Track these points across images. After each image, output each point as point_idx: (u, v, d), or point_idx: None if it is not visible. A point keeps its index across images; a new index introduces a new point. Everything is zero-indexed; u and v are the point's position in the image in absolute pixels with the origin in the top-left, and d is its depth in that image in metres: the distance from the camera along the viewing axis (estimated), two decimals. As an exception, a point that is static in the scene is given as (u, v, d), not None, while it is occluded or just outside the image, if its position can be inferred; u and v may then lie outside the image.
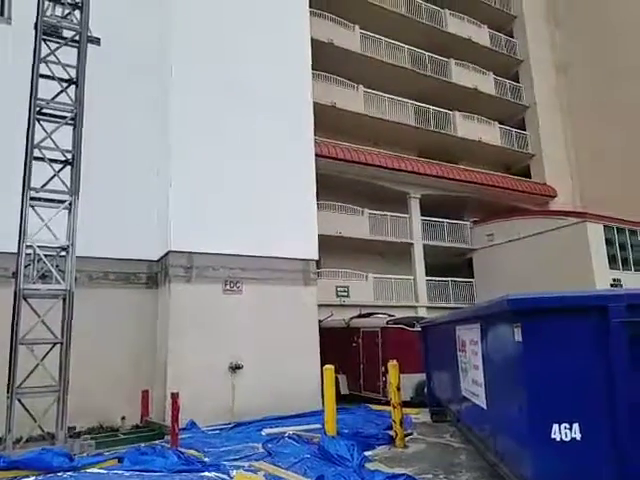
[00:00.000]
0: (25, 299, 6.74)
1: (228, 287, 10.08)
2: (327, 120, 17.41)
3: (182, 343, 9.27)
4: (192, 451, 6.99)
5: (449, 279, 19.64)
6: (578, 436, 3.63)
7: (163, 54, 11.20)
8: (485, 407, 5.20)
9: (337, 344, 12.33)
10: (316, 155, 13.22)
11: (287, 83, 12.08)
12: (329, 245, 16.65)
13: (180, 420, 7.50)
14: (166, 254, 9.79)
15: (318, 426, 8.10)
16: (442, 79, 21.11)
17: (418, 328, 10.39)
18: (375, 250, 18.91)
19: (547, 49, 24.76)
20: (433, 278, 19.24)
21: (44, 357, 6.91)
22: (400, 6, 20.70)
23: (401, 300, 18.03)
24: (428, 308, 18.12)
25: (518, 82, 24.11)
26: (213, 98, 10.76)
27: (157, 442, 7.83)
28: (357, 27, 19.21)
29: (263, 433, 8.22)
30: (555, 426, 3.65)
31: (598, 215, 17.24)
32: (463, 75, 21.79)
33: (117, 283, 9.82)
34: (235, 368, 9.67)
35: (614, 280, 16.26)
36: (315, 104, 13.58)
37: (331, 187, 17.06)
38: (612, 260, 16.68)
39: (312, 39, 13.61)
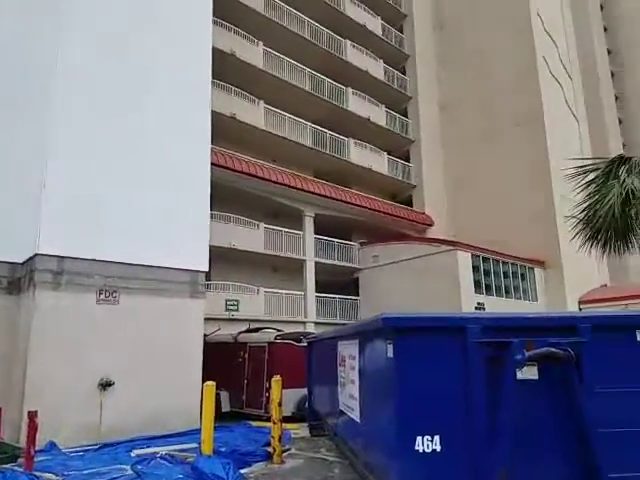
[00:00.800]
0: None
1: (103, 297, 9.34)
2: (227, 131, 17.28)
3: (44, 356, 8.36)
4: (49, 475, 6.32)
5: (337, 296, 20.32)
6: (438, 447, 3.84)
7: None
8: (359, 420, 5.40)
9: (222, 359, 12.06)
10: (213, 164, 13.00)
11: (185, 88, 11.74)
12: (221, 257, 16.39)
13: (38, 441, 6.74)
14: (32, 257, 8.84)
15: (194, 445, 7.81)
16: (339, 106, 22.14)
17: (304, 343, 10.55)
18: (268, 265, 19.00)
19: (434, 88, 27.01)
20: (322, 295, 19.76)
21: None
22: (303, 29, 21.43)
23: (291, 315, 18.23)
24: (316, 324, 18.53)
25: (407, 117, 26.06)
26: (98, 94, 10.09)
27: (8, 466, 6.94)
28: (261, 43, 19.46)
29: (133, 454, 7.68)
30: (419, 438, 3.84)
31: (467, 245, 19.22)
32: (358, 105, 23.03)
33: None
34: (105, 385, 8.95)
35: (478, 304, 18.16)
36: (215, 113, 13.42)
37: (227, 198, 16.88)
38: (477, 285, 18.66)
39: (215, 48, 13.50)
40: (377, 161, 23.52)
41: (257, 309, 17.08)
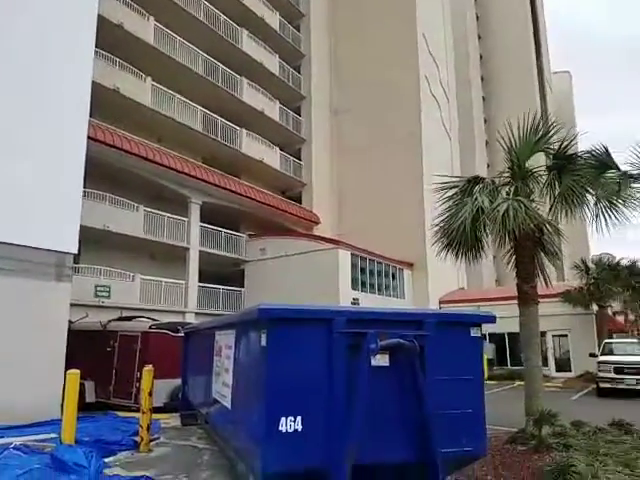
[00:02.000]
0: None
1: (-46, 276, 8.35)
2: (108, 105, 16.21)
3: None
4: None
5: (221, 287, 20.20)
6: (300, 427, 4.18)
7: None
8: (230, 407, 5.62)
9: (89, 348, 11.40)
10: (90, 138, 12.09)
11: (63, 56, 10.75)
12: (92, 239, 15.28)
13: None
14: None
15: (54, 435, 7.40)
16: (233, 94, 21.95)
17: (182, 334, 10.44)
18: (147, 250, 18.24)
19: (327, 92, 27.97)
20: (206, 285, 19.49)
21: None
22: (199, 11, 20.82)
23: (170, 305, 17.74)
24: (197, 314, 18.28)
25: (300, 115, 26.67)
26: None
27: None
28: (152, 18, 18.56)
29: (-21, 447, 7.03)
30: (282, 419, 4.14)
31: (348, 244, 20.46)
32: (253, 96, 23.10)
33: None
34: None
35: (354, 299, 19.47)
36: (96, 84, 12.50)
37: (104, 177, 15.86)
38: (354, 282, 20.01)
39: (100, 16, 12.51)
40: (269, 155, 23.78)
41: (132, 297, 16.36)
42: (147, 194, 18.19)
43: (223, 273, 21.37)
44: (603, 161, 6.99)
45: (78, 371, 6.76)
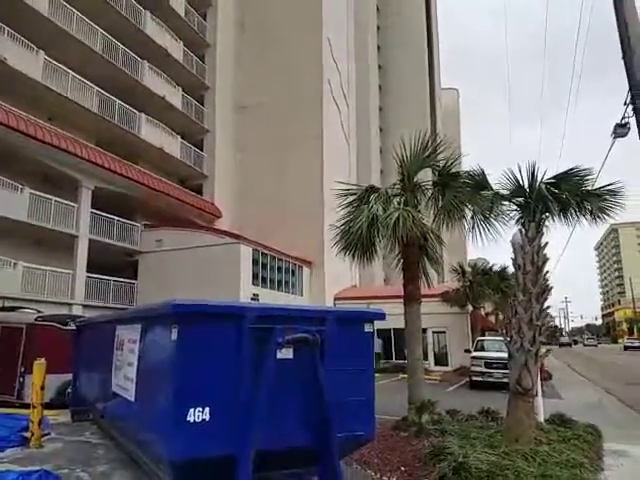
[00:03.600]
0: None
1: None
2: (-7, 76, 14.77)
3: None
4: None
5: (112, 279, 19.27)
6: (207, 417, 4.41)
7: None
8: (133, 400, 5.69)
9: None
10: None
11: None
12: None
13: None
14: None
15: None
16: (132, 77, 20.99)
17: (72, 327, 10.00)
18: (31, 236, 16.86)
19: (232, 86, 27.72)
20: (95, 276, 18.48)
21: None
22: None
23: (55, 296, 16.58)
24: (85, 306, 17.31)
25: (203, 105, 26.19)
26: None
27: None
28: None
29: None
30: (191, 410, 4.34)
31: (250, 240, 20.63)
32: (154, 81, 22.33)
33: None
34: None
35: (254, 295, 19.76)
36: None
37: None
38: (255, 278, 20.28)
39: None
40: (170, 143, 23.13)
41: (13, 286, 15.09)
42: (34, 175, 16.84)
43: (114, 263, 20.39)
44: (479, 181, 8.12)
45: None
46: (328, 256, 23.66)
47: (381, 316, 5.78)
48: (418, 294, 8.88)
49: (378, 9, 51.31)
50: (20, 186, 15.83)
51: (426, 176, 9.68)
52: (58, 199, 17.30)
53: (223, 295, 17.41)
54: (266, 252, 21.53)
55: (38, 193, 16.50)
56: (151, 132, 21.86)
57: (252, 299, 19.28)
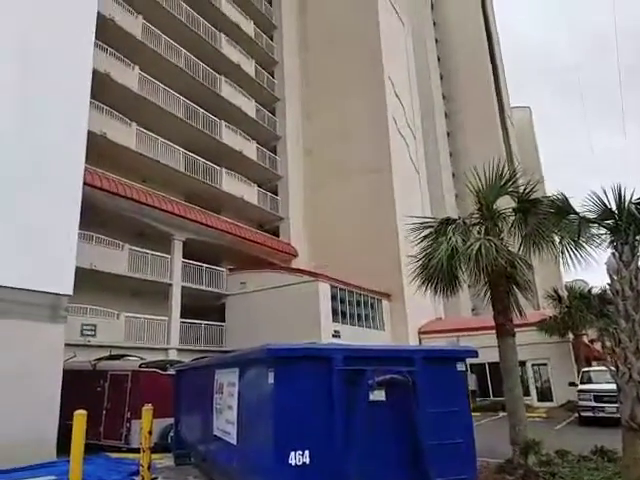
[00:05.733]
0: None
1: (-49, 321, 8.50)
2: (96, 150, 16.62)
3: None
4: None
5: (202, 322, 20.33)
6: (307, 460, 4.50)
7: None
8: (235, 443, 5.90)
9: (78, 388, 11.38)
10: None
11: (61, 106, 11.31)
12: (79, 277, 15.37)
13: None
14: None
15: (53, 478, 7.51)
16: (213, 136, 22.78)
17: (171, 372, 10.63)
18: (130, 288, 18.36)
19: (300, 132, 29.17)
20: (187, 320, 19.62)
21: None
22: (179, 59, 21.82)
23: (153, 342, 17.78)
24: (179, 350, 18.33)
25: (276, 154, 27.63)
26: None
27: None
28: (137, 67, 19.36)
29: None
30: (292, 453, 4.46)
31: (327, 276, 20.92)
32: (232, 138, 24.00)
33: None
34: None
35: (335, 331, 19.83)
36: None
37: (90, 216, 16.10)
38: (334, 314, 20.38)
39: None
40: (248, 192, 24.48)
41: (117, 335, 16.40)
42: (131, 232, 18.51)
43: (204, 308, 21.52)
44: (563, 207, 7.81)
45: (84, 412, 6.98)
46: (408, 288, 23.30)
47: (473, 354, 5.65)
48: (511, 326, 8.53)
49: (437, 40, 51.67)
50: (121, 243, 17.47)
51: (504, 202, 9.45)
52: (153, 252, 18.83)
53: (305, 333, 17.76)
54: (344, 287, 21.66)
55: (136, 248, 18.10)
56: (231, 184, 23.36)
57: (333, 336, 19.35)
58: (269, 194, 26.45)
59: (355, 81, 28.06)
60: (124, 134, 18.10)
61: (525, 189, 8.83)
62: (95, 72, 16.17)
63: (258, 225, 26.14)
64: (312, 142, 28.73)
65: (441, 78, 50.27)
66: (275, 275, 21.68)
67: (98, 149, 17.01)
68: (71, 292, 10.62)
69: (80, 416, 6.85)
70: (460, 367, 5.43)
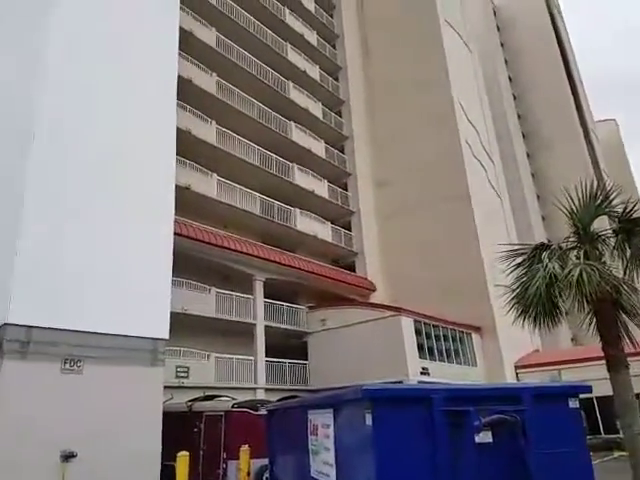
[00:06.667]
0: None
1: (67, 366, 9.32)
2: (181, 201, 17.88)
3: (9, 430, 8.13)
4: None
5: (287, 361, 20.52)
6: None
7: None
8: (336, 485, 5.79)
9: (176, 429, 11.84)
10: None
11: (150, 164, 12.38)
12: (171, 321, 16.35)
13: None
14: (0, 326, 8.74)
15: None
16: (286, 179, 23.74)
17: (263, 412, 10.74)
18: (218, 329, 19.06)
19: (369, 168, 29.40)
20: (273, 359, 19.91)
21: None
22: (252, 110, 23.19)
23: (241, 382, 18.19)
24: (266, 390, 18.55)
25: (347, 190, 28.01)
26: (73, 176, 10.55)
27: None
28: (214, 122, 20.77)
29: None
30: None
31: (409, 310, 20.33)
32: (303, 179, 24.79)
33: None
34: (67, 457, 8.73)
35: (423, 368, 19.04)
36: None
37: (179, 264, 17.14)
38: (420, 350, 19.62)
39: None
40: (321, 229, 24.94)
41: (208, 375, 16.98)
42: (216, 275, 19.39)
43: (287, 347, 21.75)
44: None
45: (187, 453, 7.22)
46: (500, 320, 22.16)
47: (586, 389, 5.22)
48: (623, 358, 7.76)
49: (506, 61, 50.61)
50: (208, 287, 18.36)
51: (597, 224, 8.81)
52: (237, 294, 19.56)
53: (391, 371, 17.29)
54: (428, 322, 20.91)
55: (221, 291, 18.93)
56: (305, 223, 23.95)
57: (422, 373, 18.61)
58: (342, 230, 26.69)
59: (424, 109, 27.92)
60: (206, 184, 19.36)
61: (626, 208, 8.18)
62: (178, 129, 17.74)
63: (333, 261, 26.33)
64: (383, 174, 28.75)
65: (514, 99, 48.87)
66: (355, 311, 21.53)
67: (183, 200, 18.26)
68: (167, 336, 11.24)
69: (183, 457, 7.08)
70: (573, 404, 5.01)
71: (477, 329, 23.36)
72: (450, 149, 26.55)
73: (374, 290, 25.98)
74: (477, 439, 4.63)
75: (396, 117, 28.97)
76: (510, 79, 49.68)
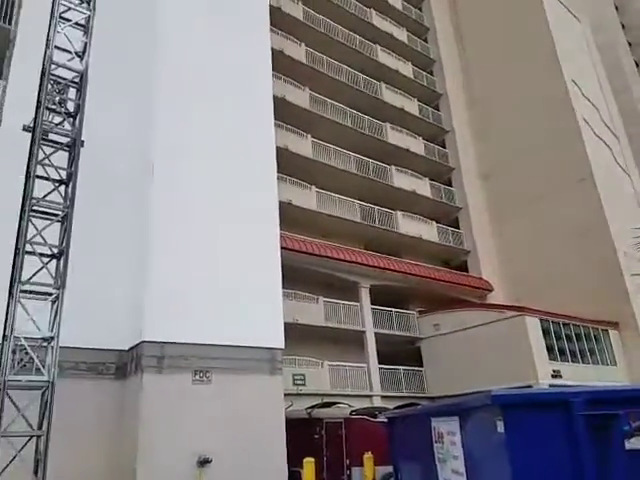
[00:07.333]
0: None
1: (198, 377, 10.12)
2: (284, 215, 18.58)
3: (151, 437, 9.01)
4: None
5: (401, 368, 20.20)
6: None
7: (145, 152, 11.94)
8: (468, 494, 5.54)
9: (298, 436, 12.19)
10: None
11: (255, 185, 13.09)
12: (285, 332, 17.01)
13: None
14: (138, 344, 9.78)
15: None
16: (384, 183, 23.44)
17: (382, 419, 10.65)
18: (328, 337, 19.36)
19: (473, 160, 28.00)
20: (386, 366, 19.73)
21: (21, 449, 6.61)
22: (346, 118, 23.32)
23: (356, 389, 18.25)
24: (382, 397, 18.40)
25: (451, 187, 26.89)
26: (194, 201, 11.53)
27: None
28: (309, 136, 21.29)
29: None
30: None
31: (534, 309, 18.84)
32: (403, 180, 24.26)
33: (87, 374, 9.59)
34: (203, 462, 9.43)
35: (554, 371, 17.41)
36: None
37: (287, 276, 17.79)
38: (550, 351, 17.98)
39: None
40: (426, 230, 24.18)
41: (323, 383, 17.29)
42: (322, 285, 19.74)
43: (399, 352, 21.41)
44: None
45: (312, 459, 7.37)
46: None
47: None
48: None
49: (623, 26, 45.42)
50: (316, 296, 18.80)
51: None
52: (344, 301, 19.74)
53: (516, 374, 16.20)
54: (557, 320, 19.04)
55: (329, 300, 19.23)
56: (408, 225, 23.41)
57: (553, 376, 17.07)
58: (450, 229, 25.68)
59: (531, 92, 25.83)
60: (305, 197, 19.88)
61: None
62: (277, 147, 18.52)
63: (443, 262, 25.40)
64: (489, 166, 27.26)
65: (637, 66, 43.58)
66: (471, 313, 20.52)
67: (285, 214, 18.97)
68: (283, 345, 11.70)
69: (310, 463, 7.26)
70: None
71: (614, 325, 20.93)
72: (567, 132, 24.25)
73: (491, 290, 24.58)
74: (628, 445, 4.19)
75: (499, 105, 27.31)
76: (630, 44, 44.43)
